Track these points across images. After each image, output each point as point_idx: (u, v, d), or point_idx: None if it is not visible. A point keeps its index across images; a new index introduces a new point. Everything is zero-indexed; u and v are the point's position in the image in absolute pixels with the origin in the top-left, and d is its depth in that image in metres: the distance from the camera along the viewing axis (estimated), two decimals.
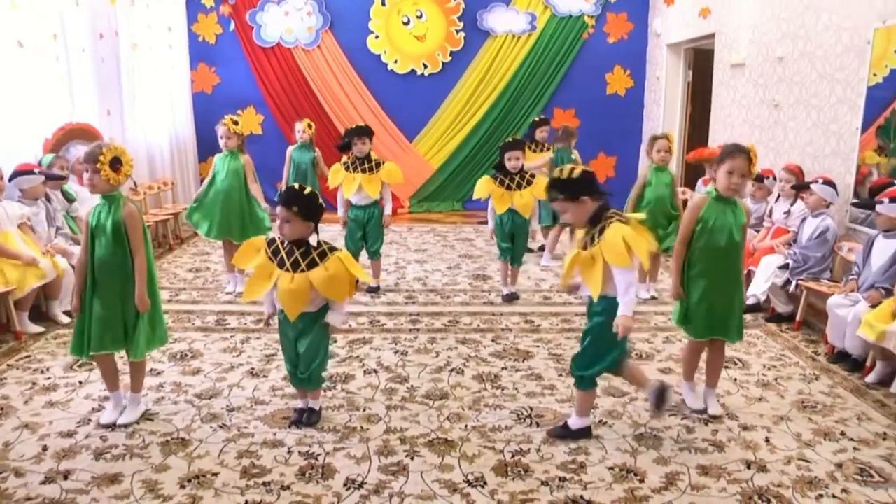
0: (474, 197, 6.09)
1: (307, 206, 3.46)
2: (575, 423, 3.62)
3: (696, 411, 3.91)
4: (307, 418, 3.72)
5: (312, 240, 3.51)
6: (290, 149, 7.63)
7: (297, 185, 3.59)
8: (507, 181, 5.70)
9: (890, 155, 5.09)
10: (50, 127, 6.39)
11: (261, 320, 5.22)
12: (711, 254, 3.66)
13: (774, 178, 6.36)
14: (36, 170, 5.56)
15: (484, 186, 5.84)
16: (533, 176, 5.78)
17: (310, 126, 7.61)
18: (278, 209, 3.47)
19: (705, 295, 3.73)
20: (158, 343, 3.79)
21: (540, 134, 7.83)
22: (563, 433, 3.61)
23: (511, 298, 6.02)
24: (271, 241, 3.58)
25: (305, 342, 3.60)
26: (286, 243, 3.52)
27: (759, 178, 6.56)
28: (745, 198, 6.30)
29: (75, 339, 3.62)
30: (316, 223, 3.52)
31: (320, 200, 3.56)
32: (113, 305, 3.56)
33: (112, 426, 3.65)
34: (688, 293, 3.79)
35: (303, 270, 3.45)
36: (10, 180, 5.40)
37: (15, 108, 5.96)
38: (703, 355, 3.99)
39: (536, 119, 8.20)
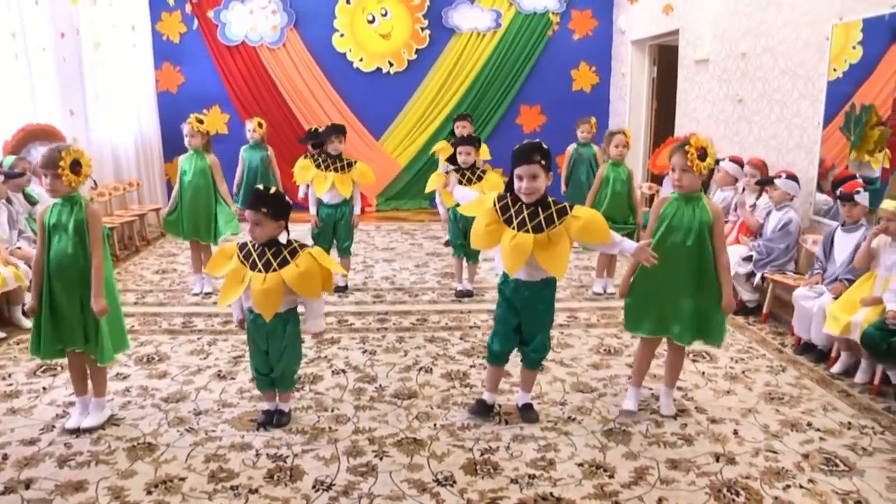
0: (426, 191, 6.06)
1: (276, 205, 3.45)
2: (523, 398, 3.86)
3: (624, 411, 3.86)
4: (277, 420, 3.69)
5: (282, 238, 3.51)
6: (243, 148, 7.56)
7: (261, 187, 3.57)
8: (458, 175, 5.70)
9: (851, 148, 5.16)
10: (9, 128, 6.26)
11: (228, 322, 5.18)
12: (667, 251, 3.58)
13: (739, 165, 6.44)
14: None
15: (434, 180, 5.86)
16: (484, 171, 5.78)
17: (260, 125, 7.54)
18: (247, 213, 3.44)
19: (654, 291, 3.69)
20: (123, 346, 3.74)
21: (459, 130, 7.85)
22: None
23: (464, 295, 6.02)
24: (242, 245, 3.55)
25: (278, 343, 3.58)
26: (257, 245, 3.49)
27: (716, 162, 6.68)
28: (718, 194, 6.38)
29: (33, 340, 3.55)
30: (286, 221, 3.52)
31: (287, 198, 3.58)
32: (72, 305, 3.49)
33: (77, 431, 3.58)
34: (637, 287, 3.76)
35: (275, 270, 3.42)
36: None
37: None
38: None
39: (458, 115, 8.32)
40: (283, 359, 3.62)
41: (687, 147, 3.50)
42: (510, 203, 3.47)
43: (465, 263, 6.13)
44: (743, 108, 6.78)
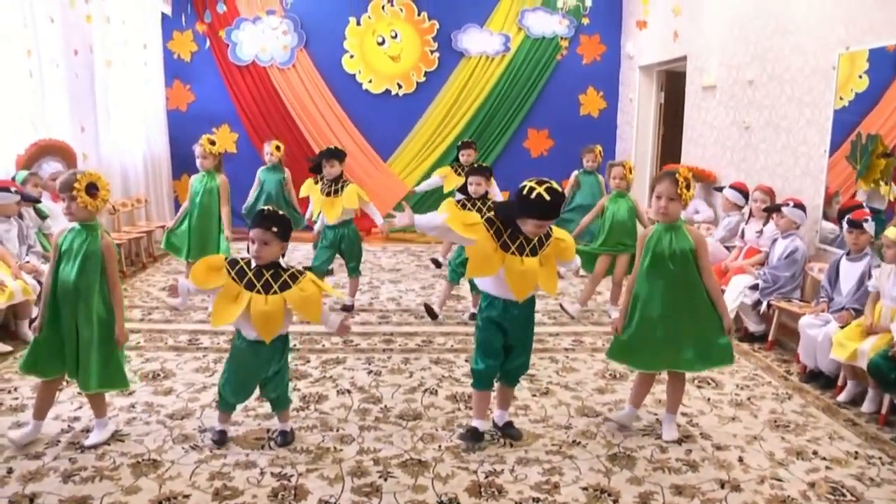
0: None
1: (283, 227, 3.48)
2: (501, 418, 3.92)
3: (613, 419, 4.01)
4: (282, 440, 3.70)
5: (280, 261, 3.52)
6: (260, 170, 7.61)
7: (269, 208, 3.59)
8: (468, 205, 5.71)
9: (857, 177, 5.18)
10: (22, 143, 6.31)
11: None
12: (650, 283, 3.67)
13: (742, 193, 6.49)
14: (12, 188, 5.49)
15: (445, 207, 5.83)
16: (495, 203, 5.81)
17: (278, 148, 7.59)
18: (255, 231, 3.42)
19: (641, 324, 3.73)
20: (113, 385, 3.65)
21: (464, 158, 7.90)
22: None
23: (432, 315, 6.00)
24: (233, 262, 3.50)
25: (275, 366, 3.61)
26: (252, 265, 3.47)
27: (719, 189, 6.77)
28: (702, 223, 6.43)
29: (28, 356, 3.55)
30: (287, 243, 3.56)
31: (290, 221, 3.61)
32: (69, 331, 3.51)
33: (19, 446, 3.55)
34: (633, 321, 3.78)
35: (275, 292, 3.43)
36: None
37: None
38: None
39: (462, 142, 8.34)
40: (281, 378, 3.66)
41: (677, 176, 3.58)
42: (502, 229, 3.51)
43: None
44: (750, 134, 6.81)
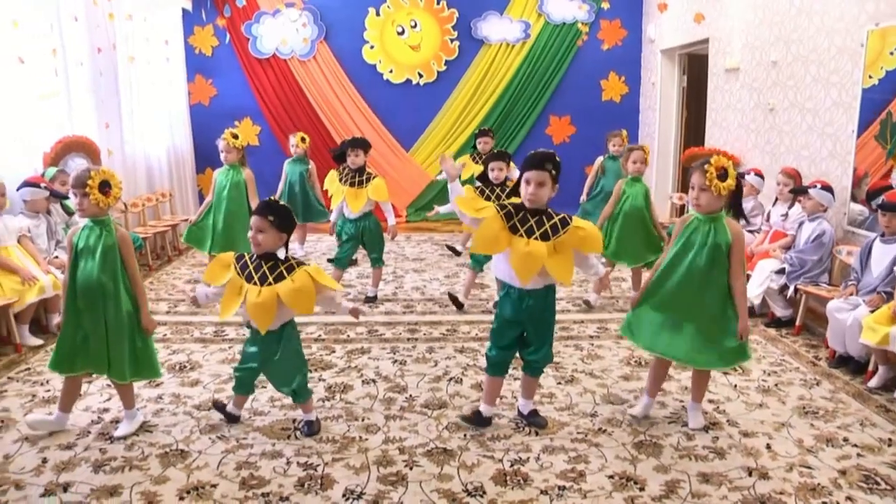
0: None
1: (282, 216, 3.52)
2: (526, 406, 3.87)
3: (630, 414, 3.95)
4: (308, 430, 3.72)
5: (280, 253, 3.56)
6: (286, 162, 7.67)
7: (271, 198, 3.65)
8: (486, 191, 5.69)
9: (887, 157, 5.09)
10: (49, 141, 6.39)
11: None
12: (679, 270, 3.60)
13: (760, 176, 6.44)
14: (42, 184, 5.57)
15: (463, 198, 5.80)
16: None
17: (303, 140, 7.65)
18: (253, 219, 3.50)
19: (649, 302, 3.74)
20: (146, 374, 3.73)
21: (482, 146, 7.88)
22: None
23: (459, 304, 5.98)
24: (240, 257, 3.59)
25: (278, 360, 3.62)
26: (254, 257, 3.54)
27: (740, 176, 6.67)
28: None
29: (56, 356, 3.59)
30: (287, 236, 3.58)
31: (293, 215, 3.64)
32: (95, 327, 3.55)
33: (31, 427, 3.65)
34: (644, 299, 3.78)
35: (270, 284, 3.46)
36: (18, 190, 5.46)
37: (15, 123, 5.96)
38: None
39: (480, 130, 8.31)
40: (288, 372, 3.65)
41: (706, 166, 3.46)
42: (513, 211, 3.49)
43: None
44: (774, 117, 6.72)
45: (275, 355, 3.61)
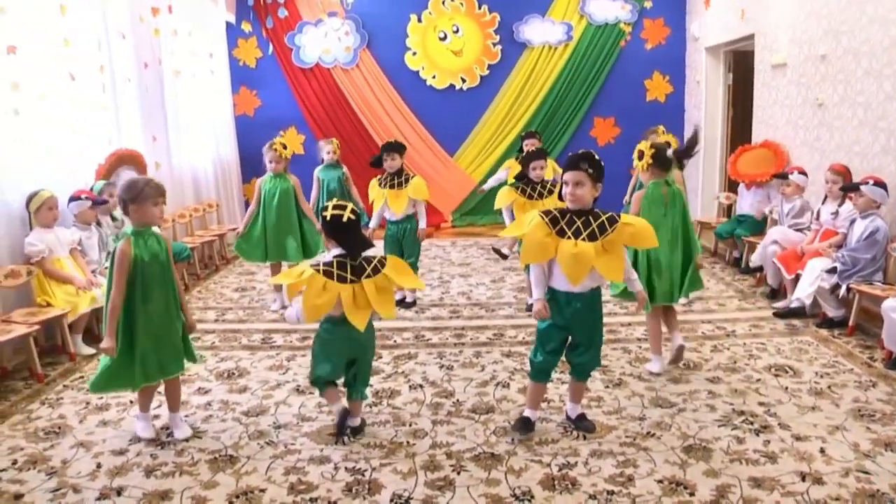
0: (495, 207, 5.98)
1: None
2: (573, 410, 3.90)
3: (651, 372, 4.53)
4: (362, 430, 3.80)
5: (327, 256, 3.61)
6: (317, 169, 7.62)
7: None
8: (528, 190, 5.66)
9: None
10: (98, 155, 6.54)
11: (307, 338, 5.27)
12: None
13: (804, 174, 6.45)
14: (83, 195, 5.71)
15: (505, 196, 5.78)
16: (555, 185, 5.73)
17: (337, 145, 7.67)
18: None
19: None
20: (193, 359, 3.96)
21: (528, 147, 7.80)
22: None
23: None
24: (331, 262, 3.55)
25: (369, 354, 3.84)
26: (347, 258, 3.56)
27: (783, 176, 6.56)
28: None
29: (124, 375, 3.62)
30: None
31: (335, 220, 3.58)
32: (172, 329, 3.73)
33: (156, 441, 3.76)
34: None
35: (369, 276, 3.55)
36: (68, 205, 5.63)
37: (67, 138, 6.12)
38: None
39: (526, 132, 8.28)
40: (368, 365, 3.88)
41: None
42: (559, 216, 3.48)
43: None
44: (823, 112, 6.57)
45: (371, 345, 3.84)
